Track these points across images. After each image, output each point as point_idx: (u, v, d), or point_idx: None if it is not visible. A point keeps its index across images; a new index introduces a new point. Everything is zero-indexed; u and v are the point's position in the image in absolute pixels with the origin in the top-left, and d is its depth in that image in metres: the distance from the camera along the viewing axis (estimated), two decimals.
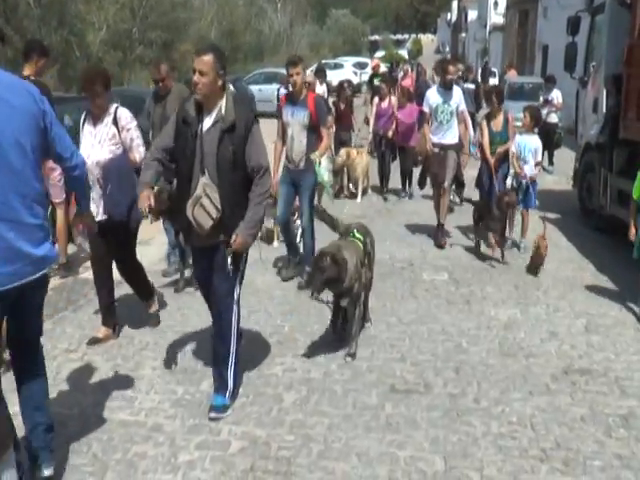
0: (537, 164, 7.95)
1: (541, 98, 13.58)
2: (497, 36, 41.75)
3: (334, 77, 24.21)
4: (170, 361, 4.93)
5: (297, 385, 4.56)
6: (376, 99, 11.47)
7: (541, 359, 4.96)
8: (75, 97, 14.26)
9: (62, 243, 6.97)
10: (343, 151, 10.81)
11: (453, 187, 9.19)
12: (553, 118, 12.98)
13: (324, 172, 8.25)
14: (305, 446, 3.83)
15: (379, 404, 4.30)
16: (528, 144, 7.81)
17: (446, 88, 8.01)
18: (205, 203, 4.01)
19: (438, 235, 8.14)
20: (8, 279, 3.01)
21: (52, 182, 6.69)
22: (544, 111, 12.93)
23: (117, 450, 3.81)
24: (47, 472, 3.48)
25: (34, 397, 3.50)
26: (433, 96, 8.05)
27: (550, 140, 12.56)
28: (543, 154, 13.28)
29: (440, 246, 7.99)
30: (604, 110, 8.35)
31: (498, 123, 8.05)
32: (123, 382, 4.61)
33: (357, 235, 5.22)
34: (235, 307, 4.24)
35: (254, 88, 22.96)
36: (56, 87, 20.78)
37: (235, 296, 4.23)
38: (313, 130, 6.40)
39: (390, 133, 10.97)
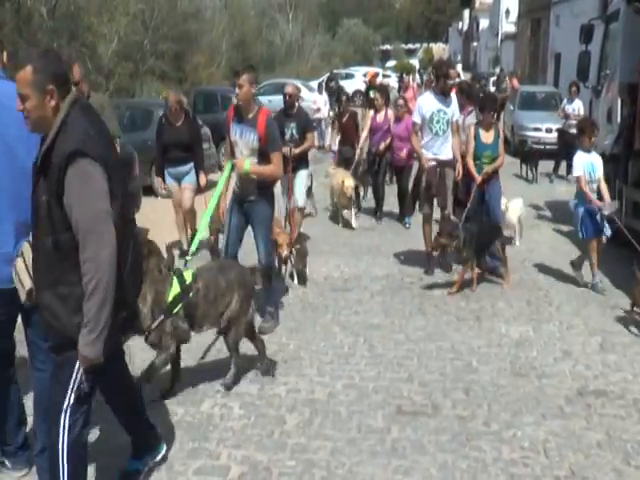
0: (601, 179, 6.83)
1: (561, 108, 13.36)
2: (509, 45, 41.64)
3: (346, 87, 24.19)
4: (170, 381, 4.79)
5: (300, 407, 4.42)
6: (371, 112, 10.44)
7: (554, 380, 4.78)
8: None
9: None
10: (329, 170, 10.11)
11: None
12: (574, 129, 12.81)
13: (297, 193, 8.09)
14: (307, 472, 3.68)
15: (385, 427, 4.15)
16: (595, 162, 6.80)
17: (444, 94, 7.12)
18: (19, 267, 3.12)
19: (431, 264, 7.32)
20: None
21: None
22: (565, 122, 12.78)
23: (113, 477, 3.67)
24: None
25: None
26: (428, 103, 7.08)
27: (571, 151, 12.39)
28: (560, 164, 13.15)
29: (427, 273, 7.25)
30: (618, 120, 8.18)
31: (489, 135, 7.28)
32: None
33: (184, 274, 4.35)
34: (64, 421, 2.99)
35: (264, 99, 22.93)
36: None
37: (64, 406, 2.98)
38: (264, 156, 5.41)
39: (382, 146, 9.86)
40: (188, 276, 4.33)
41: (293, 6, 49.27)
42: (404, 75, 20.05)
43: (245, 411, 4.36)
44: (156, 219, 10.18)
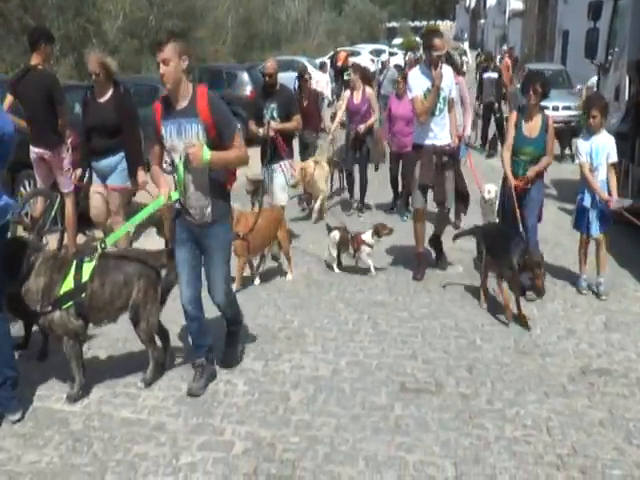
0: (613, 165, 5.98)
1: (578, 87, 13.16)
2: (516, 22, 41.28)
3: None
4: (175, 357, 4.82)
5: (304, 383, 4.43)
6: (347, 92, 9.25)
7: (558, 358, 4.78)
8: (88, 86, 14.25)
9: (71, 232, 6.90)
10: (299, 169, 8.39)
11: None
12: None
13: (278, 190, 7.09)
14: (311, 448, 3.70)
15: (388, 404, 4.16)
16: (601, 146, 5.94)
17: (435, 68, 6.08)
18: None
19: (421, 267, 6.53)
20: None
21: (61, 172, 6.62)
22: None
23: (118, 450, 3.71)
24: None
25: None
26: (417, 81, 6.17)
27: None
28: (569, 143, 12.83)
29: (416, 279, 6.44)
30: (626, 98, 8.10)
31: (534, 126, 5.89)
32: (127, 378, 4.51)
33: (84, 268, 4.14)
34: None
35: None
36: (72, 75, 20.77)
37: None
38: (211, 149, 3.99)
39: (362, 128, 8.71)
40: (87, 271, 4.10)
41: None
42: (409, 52, 19.24)
43: (249, 387, 4.38)
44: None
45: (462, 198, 6.48)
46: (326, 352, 4.91)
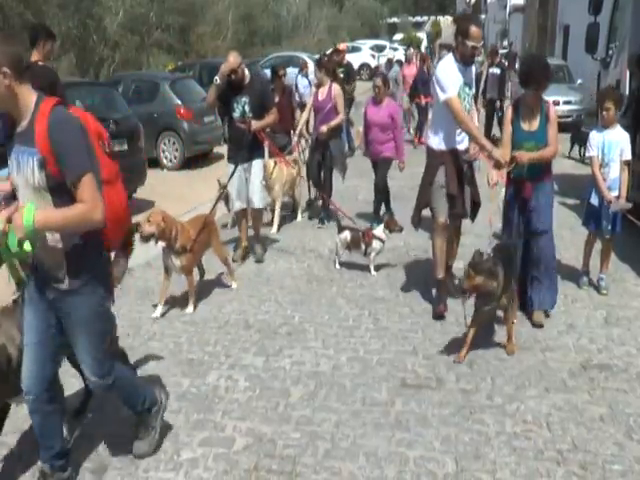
0: (627, 164, 5.73)
1: (579, 81, 13.00)
2: (517, 17, 41.15)
3: (352, 60, 23.91)
4: (176, 352, 4.83)
5: (305, 379, 4.44)
6: (313, 89, 8.57)
7: (558, 353, 4.78)
8: (88, 82, 14.25)
9: None
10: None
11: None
12: None
13: (256, 191, 6.65)
14: (311, 444, 3.71)
15: (389, 400, 4.16)
16: (614, 141, 5.72)
17: (465, 63, 5.31)
18: None
19: (442, 297, 5.52)
20: None
21: None
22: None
23: (119, 446, 3.71)
24: None
25: None
26: (450, 75, 5.18)
27: None
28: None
29: (440, 316, 5.42)
30: (627, 92, 8.08)
31: (534, 119, 5.22)
32: None
33: None
34: None
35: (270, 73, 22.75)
36: (72, 72, 20.76)
37: None
38: (61, 194, 2.87)
39: (324, 128, 7.85)
40: None
41: None
42: (411, 47, 18.61)
43: (250, 383, 4.39)
44: (163, 191, 10.22)
45: (473, 208, 5.77)
46: (327, 348, 4.91)
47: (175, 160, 12.72)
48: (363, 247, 6.49)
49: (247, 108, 6.50)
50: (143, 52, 26.91)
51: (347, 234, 6.57)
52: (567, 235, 7.42)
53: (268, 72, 21.01)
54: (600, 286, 5.97)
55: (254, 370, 4.57)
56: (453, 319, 5.38)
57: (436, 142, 5.41)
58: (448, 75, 5.17)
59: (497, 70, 14.03)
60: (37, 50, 6.40)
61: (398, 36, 55.00)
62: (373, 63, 32.76)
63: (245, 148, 6.53)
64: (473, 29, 5.14)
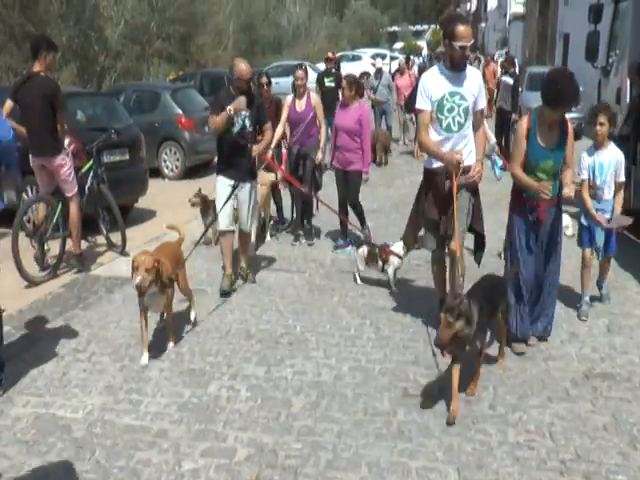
0: (619, 186, 5.52)
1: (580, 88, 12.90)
2: (517, 25, 41.29)
3: (352, 69, 23.92)
4: (178, 362, 4.82)
5: (307, 389, 4.43)
6: (289, 97, 7.77)
7: (561, 362, 4.77)
8: (90, 92, 14.30)
9: (75, 234, 6.95)
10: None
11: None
12: None
13: (247, 213, 6.24)
14: (313, 455, 3.69)
15: (391, 410, 4.15)
16: (606, 162, 5.46)
17: (455, 69, 4.82)
18: None
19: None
20: None
21: (62, 178, 6.66)
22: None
23: (121, 457, 3.71)
24: None
25: None
26: (435, 82, 4.84)
27: None
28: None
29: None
30: (627, 100, 8.09)
31: (552, 134, 4.70)
32: (130, 384, 4.51)
33: None
34: None
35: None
36: (74, 82, 20.83)
37: None
38: None
39: (319, 155, 7.55)
40: None
41: None
42: (411, 56, 17.90)
43: (252, 393, 4.37)
44: (164, 201, 10.23)
45: (476, 242, 5.30)
46: (328, 357, 4.90)
47: (176, 170, 12.75)
48: (380, 263, 6.33)
49: (247, 122, 6.11)
50: (144, 62, 27.04)
51: (364, 249, 6.46)
52: (567, 244, 7.33)
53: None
54: (602, 295, 5.94)
55: (256, 380, 4.56)
56: None
57: (425, 158, 5.22)
58: (424, 86, 4.89)
59: (510, 80, 13.42)
60: (39, 61, 6.47)
61: (398, 45, 55.22)
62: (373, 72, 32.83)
63: (243, 169, 6.15)
64: (459, 28, 4.70)
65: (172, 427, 3.98)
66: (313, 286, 6.48)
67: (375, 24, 62.71)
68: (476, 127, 5.02)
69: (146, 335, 4.91)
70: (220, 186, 6.22)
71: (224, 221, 6.25)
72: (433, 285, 5.71)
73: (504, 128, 13.49)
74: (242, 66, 6.01)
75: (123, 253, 7.44)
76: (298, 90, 7.66)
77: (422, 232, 5.41)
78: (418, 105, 4.91)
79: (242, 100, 5.96)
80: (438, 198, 5.00)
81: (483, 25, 60.40)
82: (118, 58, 24.72)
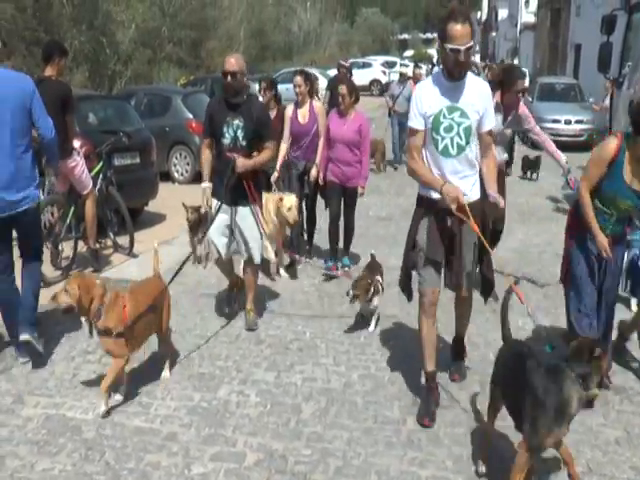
0: None
1: (590, 100, 12.84)
2: (528, 35, 41.30)
3: (363, 76, 23.99)
4: (187, 366, 4.83)
5: (316, 395, 4.42)
6: (290, 107, 7.02)
7: None
8: (101, 95, 14.36)
9: (90, 230, 7.03)
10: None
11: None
12: None
13: (253, 243, 5.35)
14: (323, 461, 3.69)
15: (401, 418, 4.14)
16: None
17: (451, 78, 3.89)
18: None
19: (429, 402, 4.17)
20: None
21: (76, 178, 6.74)
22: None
23: (130, 459, 3.71)
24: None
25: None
26: (429, 94, 3.94)
27: None
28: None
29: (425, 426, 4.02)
30: None
31: (634, 167, 4.00)
32: (140, 387, 4.52)
33: None
34: None
35: (281, 87, 22.87)
36: (86, 85, 20.93)
37: None
38: None
39: (314, 172, 6.82)
40: None
41: None
42: (419, 64, 17.22)
43: (261, 399, 4.37)
44: (174, 205, 10.22)
45: (484, 287, 4.52)
46: (338, 365, 4.90)
47: (186, 174, 12.78)
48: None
49: (240, 134, 5.16)
50: (155, 66, 27.14)
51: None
52: None
53: (279, 87, 20.69)
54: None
55: (265, 385, 4.56)
56: (465, 338, 5.35)
57: (419, 186, 4.17)
58: (417, 101, 3.98)
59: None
60: (51, 66, 6.56)
61: (409, 52, 55.35)
62: (384, 79, 32.92)
63: (227, 188, 5.16)
64: (452, 27, 3.73)
65: (182, 430, 3.99)
66: (323, 293, 6.48)
67: (386, 31, 62.92)
68: (483, 152, 4.08)
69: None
70: (213, 206, 5.37)
71: (216, 248, 5.44)
72: (441, 291, 4.29)
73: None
74: (228, 58, 5.16)
75: (131, 254, 7.49)
76: (298, 98, 6.96)
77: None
78: (411, 123, 3.99)
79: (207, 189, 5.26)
80: (442, 234, 4.08)
81: (494, 34, 60.44)
82: (129, 62, 24.83)
